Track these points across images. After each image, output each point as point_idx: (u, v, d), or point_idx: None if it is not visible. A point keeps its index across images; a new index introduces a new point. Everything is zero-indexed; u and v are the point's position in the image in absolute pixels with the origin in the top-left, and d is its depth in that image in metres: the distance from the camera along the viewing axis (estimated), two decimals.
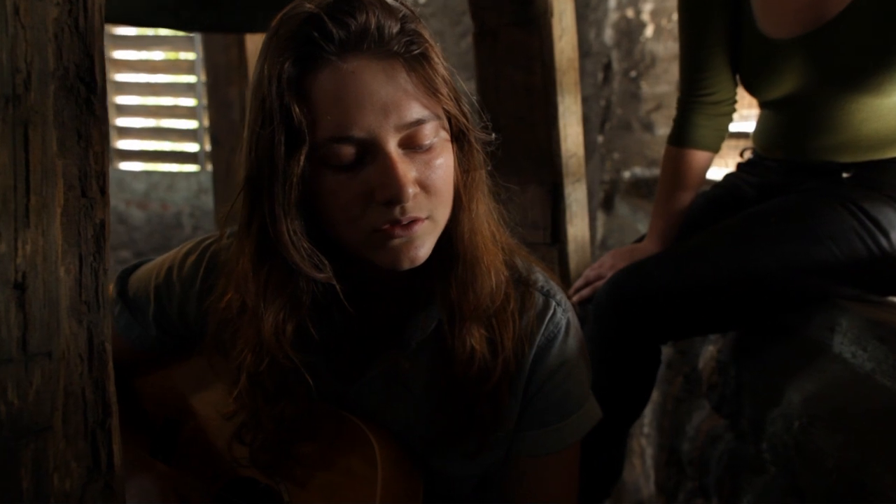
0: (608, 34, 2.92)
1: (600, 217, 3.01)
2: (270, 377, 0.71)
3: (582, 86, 1.77)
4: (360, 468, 0.72)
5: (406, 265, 0.67)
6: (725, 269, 1.18)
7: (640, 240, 1.44)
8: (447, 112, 0.67)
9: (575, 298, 1.33)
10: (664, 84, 2.82)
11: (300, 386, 0.72)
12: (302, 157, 0.63)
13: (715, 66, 1.28)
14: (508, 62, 1.39)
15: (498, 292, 0.73)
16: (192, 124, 4.10)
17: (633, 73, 2.87)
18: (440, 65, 0.67)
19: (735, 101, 1.34)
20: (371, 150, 0.64)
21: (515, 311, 0.75)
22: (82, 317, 0.53)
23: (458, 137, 0.69)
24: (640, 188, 2.85)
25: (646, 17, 2.81)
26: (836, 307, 1.14)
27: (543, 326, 0.77)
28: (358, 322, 0.73)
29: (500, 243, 0.75)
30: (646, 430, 2.04)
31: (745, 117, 2.00)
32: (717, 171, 2.22)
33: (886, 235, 1.13)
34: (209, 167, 3.43)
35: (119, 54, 4.18)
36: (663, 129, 2.82)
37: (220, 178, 2.21)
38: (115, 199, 4.17)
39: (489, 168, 0.73)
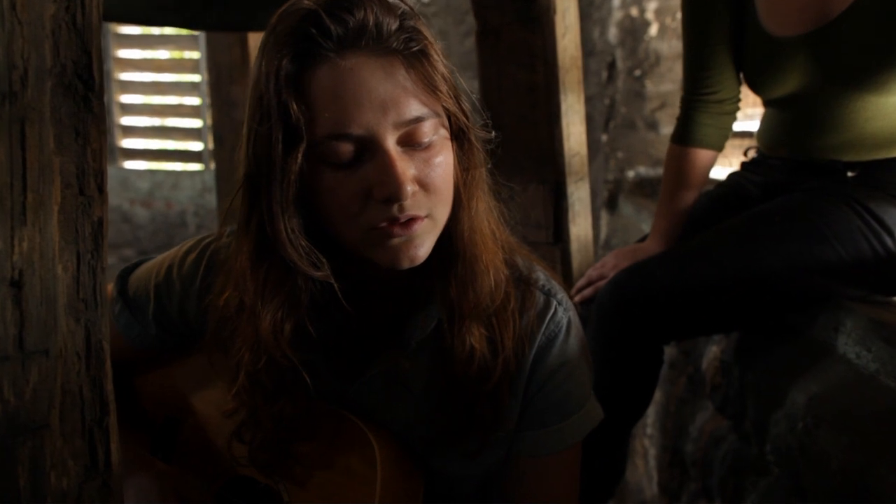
0: (612, 33, 2.91)
1: (604, 216, 3.00)
2: (268, 376, 0.71)
3: (586, 85, 1.77)
4: (359, 468, 0.72)
5: (405, 264, 0.67)
6: (729, 268, 1.17)
7: (643, 239, 1.43)
8: (447, 110, 0.67)
9: (577, 298, 1.33)
10: (668, 83, 2.82)
11: (299, 385, 0.71)
12: (300, 155, 0.62)
13: (719, 64, 1.28)
14: (511, 61, 1.38)
15: (498, 291, 0.73)
16: (196, 123, 4.11)
17: (637, 72, 2.86)
18: (439, 62, 0.66)
19: (739, 100, 1.34)
20: (369, 148, 0.64)
21: (516, 310, 0.75)
22: (80, 315, 0.53)
23: (458, 135, 0.69)
24: (644, 187, 2.84)
25: (650, 15, 2.80)
26: (841, 308, 1.13)
27: (544, 326, 0.76)
28: (357, 321, 0.73)
29: (500, 242, 0.75)
30: (649, 430, 2.03)
31: (750, 116, 1.99)
32: (721, 170, 2.21)
33: (891, 235, 1.13)
34: (213, 166, 3.44)
35: (123, 53, 4.19)
36: (667, 128, 2.81)
37: (224, 177, 2.21)
38: (120, 198, 4.18)
39: (489, 166, 0.73)
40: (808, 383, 1.08)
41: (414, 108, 0.64)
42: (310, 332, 0.71)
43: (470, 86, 0.71)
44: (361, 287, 0.72)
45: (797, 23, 1.17)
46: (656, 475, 1.88)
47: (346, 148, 0.63)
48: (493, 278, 0.72)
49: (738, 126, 1.38)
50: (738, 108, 1.34)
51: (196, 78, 4.04)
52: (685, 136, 1.34)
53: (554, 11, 1.32)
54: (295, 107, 0.62)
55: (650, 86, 2.84)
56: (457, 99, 0.68)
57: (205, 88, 3.89)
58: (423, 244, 0.67)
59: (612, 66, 2.94)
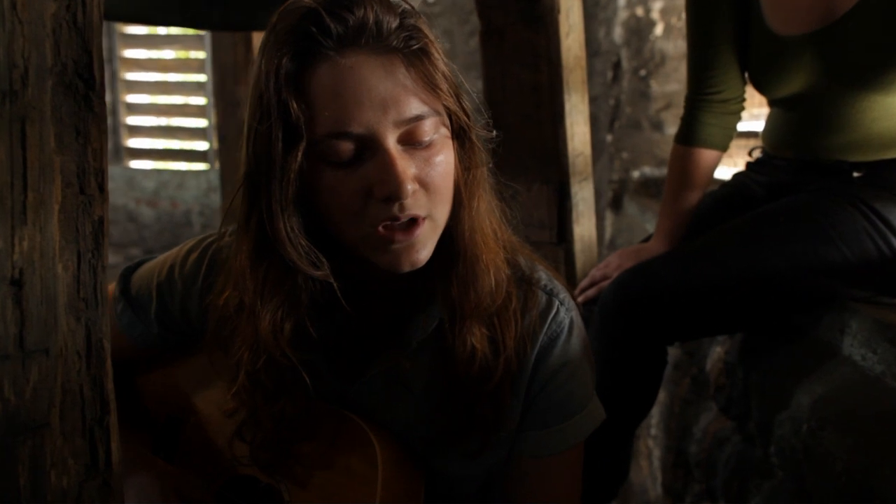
0: (617, 33, 2.90)
1: (609, 217, 3.00)
2: (268, 375, 0.71)
3: (591, 85, 1.76)
4: (360, 468, 0.72)
5: (406, 268, 0.67)
6: (733, 268, 1.17)
7: (647, 239, 1.43)
8: (447, 108, 0.67)
9: (580, 299, 1.32)
10: (674, 83, 2.81)
11: (299, 385, 0.71)
12: (300, 154, 0.62)
13: (723, 63, 1.27)
14: (515, 60, 1.38)
15: (499, 291, 0.72)
16: (202, 123, 4.12)
17: (642, 72, 2.85)
18: (440, 61, 0.66)
19: (744, 100, 1.33)
20: (370, 146, 0.63)
21: (517, 309, 0.74)
22: (80, 314, 0.53)
23: (459, 134, 0.69)
24: (649, 188, 2.83)
25: (655, 15, 2.79)
26: (846, 309, 1.13)
27: (546, 325, 0.76)
28: (357, 321, 0.73)
29: (502, 242, 0.75)
30: (653, 431, 2.03)
31: (755, 116, 1.98)
32: (726, 170, 2.20)
33: None
34: (218, 165, 3.45)
35: (129, 53, 4.21)
36: (673, 129, 2.80)
37: (229, 177, 2.22)
38: (125, 198, 4.20)
39: (491, 165, 0.72)
40: (813, 385, 1.07)
41: (414, 107, 0.64)
42: (310, 331, 0.71)
43: (474, 86, 0.70)
44: (361, 287, 0.72)
45: (803, 21, 1.16)
46: (660, 476, 1.87)
47: (347, 146, 0.63)
48: (494, 278, 0.72)
49: (743, 126, 1.37)
50: (742, 108, 1.34)
51: (202, 78, 4.05)
52: (689, 135, 1.33)
53: (557, 11, 1.32)
54: (295, 105, 0.62)
55: (655, 86, 2.83)
56: (458, 97, 0.68)
57: (210, 88, 3.90)
58: (424, 248, 0.67)
59: (617, 66, 2.93)
